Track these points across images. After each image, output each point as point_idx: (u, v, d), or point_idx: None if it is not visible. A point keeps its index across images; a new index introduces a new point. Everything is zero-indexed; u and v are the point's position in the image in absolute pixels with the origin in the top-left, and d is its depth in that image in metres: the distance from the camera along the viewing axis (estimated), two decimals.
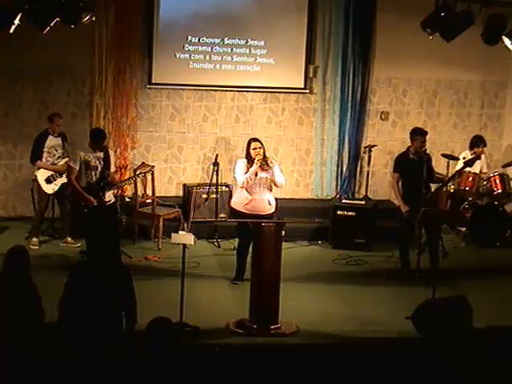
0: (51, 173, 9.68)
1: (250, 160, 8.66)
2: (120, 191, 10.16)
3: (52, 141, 9.71)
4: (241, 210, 8.70)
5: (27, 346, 6.01)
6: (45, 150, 9.67)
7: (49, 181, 9.68)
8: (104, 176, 9.07)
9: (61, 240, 9.91)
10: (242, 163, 8.74)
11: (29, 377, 5.88)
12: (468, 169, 10.30)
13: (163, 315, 7.27)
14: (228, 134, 11.30)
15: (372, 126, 11.57)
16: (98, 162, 9.13)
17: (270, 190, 8.77)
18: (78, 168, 9.12)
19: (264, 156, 8.64)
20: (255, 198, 8.65)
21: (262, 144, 8.68)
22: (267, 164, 8.59)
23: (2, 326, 6.14)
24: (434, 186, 9.46)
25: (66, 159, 9.70)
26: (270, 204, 8.73)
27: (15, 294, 6.17)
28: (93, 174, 9.13)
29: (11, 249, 6.44)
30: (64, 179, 9.69)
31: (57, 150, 9.75)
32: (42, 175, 9.67)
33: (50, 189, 9.69)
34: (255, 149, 8.60)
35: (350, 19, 11.10)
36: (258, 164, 8.55)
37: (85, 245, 9.11)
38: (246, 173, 8.62)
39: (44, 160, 9.68)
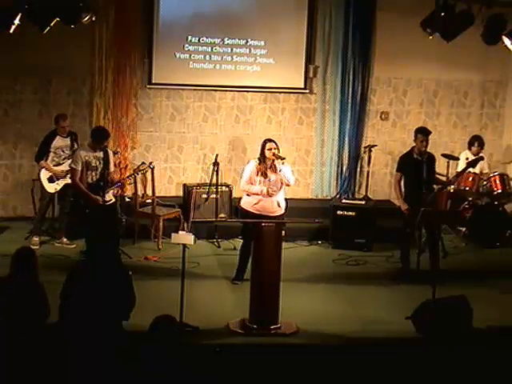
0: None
1: (263, 160, 8.64)
2: (120, 191, 10.14)
3: (59, 141, 9.70)
4: (250, 209, 8.67)
5: (32, 345, 6.02)
6: (51, 150, 9.67)
7: (51, 180, 9.68)
8: (104, 176, 9.05)
9: (56, 240, 9.91)
10: (251, 166, 8.69)
11: (30, 376, 5.89)
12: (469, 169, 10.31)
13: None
14: (228, 134, 11.30)
15: (372, 126, 11.58)
16: (98, 163, 9.08)
17: (280, 190, 8.72)
18: (80, 169, 9.03)
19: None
20: (264, 199, 8.63)
21: (277, 145, 8.67)
22: (281, 158, 8.58)
23: (10, 325, 6.15)
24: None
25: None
26: (279, 206, 8.70)
27: (23, 295, 6.17)
28: (93, 174, 9.08)
29: (18, 250, 6.45)
30: (67, 180, 9.68)
31: (63, 151, 9.72)
32: (44, 174, 9.68)
33: (52, 188, 9.70)
34: (270, 149, 8.59)
35: (350, 19, 11.10)
36: (273, 159, 8.56)
37: (84, 245, 9.13)
38: (257, 175, 8.60)
39: (50, 160, 9.68)
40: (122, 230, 9.82)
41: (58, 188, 9.70)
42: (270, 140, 8.73)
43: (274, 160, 8.59)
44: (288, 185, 8.75)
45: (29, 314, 6.14)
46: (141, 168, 9.78)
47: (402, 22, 10.64)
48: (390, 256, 9.85)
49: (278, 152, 8.64)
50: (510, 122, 11.86)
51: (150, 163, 9.91)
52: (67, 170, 9.59)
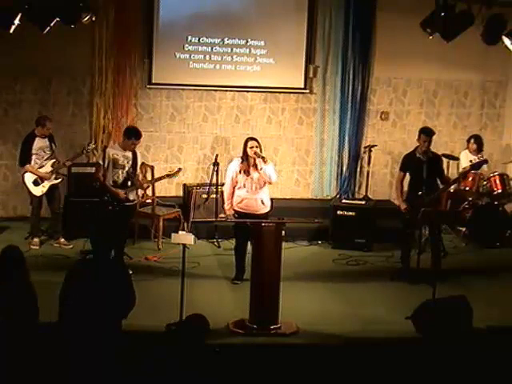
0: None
1: (245, 159, 8.71)
2: (144, 192, 10.08)
3: (39, 143, 9.68)
4: (235, 208, 8.81)
5: (23, 345, 6.01)
6: (33, 152, 9.65)
7: (36, 183, 9.65)
8: (130, 175, 9.02)
9: (54, 241, 9.91)
10: (235, 164, 8.81)
11: (30, 376, 5.88)
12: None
13: (163, 315, 7.32)
14: (228, 134, 11.30)
15: (372, 126, 11.58)
16: (126, 162, 8.99)
17: (263, 188, 8.78)
18: (103, 164, 8.97)
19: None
20: (248, 197, 8.73)
21: (258, 143, 8.75)
22: (262, 157, 8.64)
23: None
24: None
25: (53, 160, 9.70)
26: (263, 204, 8.79)
27: (12, 294, 6.16)
28: (119, 172, 8.98)
29: (4, 250, 6.43)
30: (53, 181, 9.69)
31: (44, 152, 9.72)
32: (29, 178, 9.65)
33: (38, 191, 9.68)
34: (252, 147, 8.67)
35: (350, 19, 11.10)
36: (254, 157, 8.64)
37: (83, 245, 9.12)
38: (240, 173, 8.70)
39: (33, 162, 9.66)
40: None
41: (45, 190, 9.69)
42: (251, 138, 8.84)
43: (255, 158, 8.65)
44: (270, 183, 8.81)
45: (17, 314, 6.12)
46: (170, 173, 9.63)
47: (402, 21, 10.63)
48: (389, 256, 9.85)
49: (260, 150, 8.70)
50: (510, 122, 11.86)
51: (179, 169, 9.74)
52: (50, 171, 9.66)
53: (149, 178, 10.18)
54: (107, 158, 8.96)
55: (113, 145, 9.39)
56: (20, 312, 6.13)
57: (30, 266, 6.46)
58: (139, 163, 9.26)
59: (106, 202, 8.88)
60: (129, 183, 9.01)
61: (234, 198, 8.80)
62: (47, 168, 9.70)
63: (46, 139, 9.75)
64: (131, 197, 9.04)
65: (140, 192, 10.14)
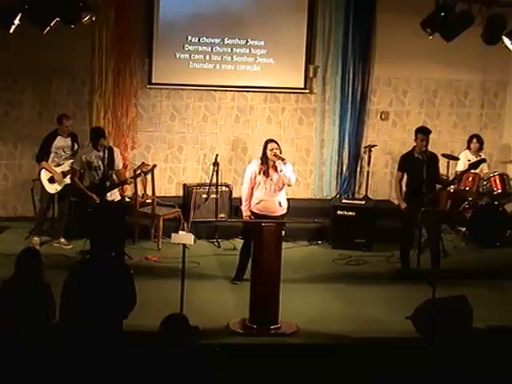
0: None
1: (264, 160, 8.64)
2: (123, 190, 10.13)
3: (60, 141, 9.70)
4: (252, 209, 8.70)
5: (38, 345, 6.01)
6: (52, 150, 9.67)
7: (52, 181, 9.67)
8: (107, 175, 9.03)
9: (54, 240, 9.91)
10: (254, 165, 8.71)
11: (32, 374, 5.89)
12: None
13: (163, 315, 7.29)
14: (228, 134, 11.30)
15: (372, 126, 11.58)
16: (100, 162, 9.06)
17: (281, 190, 8.72)
18: (78, 168, 9.14)
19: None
20: (266, 198, 8.64)
21: (278, 145, 8.67)
22: (282, 159, 8.57)
23: (15, 324, 6.14)
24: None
25: (72, 160, 9.71)
26: (280, 205, 8.71)
27: (28, 296, 6.16)
28: (95, 174, 9.08)
29: (23, 251, 6.45)
30: (67, 180, 9.70)
31: (64, 151, 9.73)
32: (45, 175, 9.67)
33: (52, 188, 9.69)
34: (272, 150, 8.58)
35: (350, 19, 11.10)
36: (274, 160, 8.57)
37: (82, 245, 9.13)
38: (259, 174, 8.60)
39: (50, 160, 9.67)
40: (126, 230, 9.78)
41: (59, 188, 9.70)
42: (271, 140, 8.74)
43: (275, 160, 8.61)
44: (289, 185, 8.76)
45: (34, 315, 6.12)
46: (143, 169, 9.68)
47: (402, 22, 10.64)
48: (389, 256, 9.85)
49: (280, 152, 8.65)
50: (510, 122, 11.85)
51: (154, 166, 9.79)
52: (67, 171, 9.63)
53: (149, 178, 10.17)
54: (80, 161, 9.05)
55: (85, 147, 9.42)
56: (34, 313, 6.13)
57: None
58: (118, 160, 9.28)
59: (85, 203, 8.97)
60: (107, 183, 9.02)
61: (252, 200, 8.70)
62: (65, 167, 9.69)
63: (69, 139, 9.76)
64: (111, 196, 9.03)
65: (140, 192, 10.16)
